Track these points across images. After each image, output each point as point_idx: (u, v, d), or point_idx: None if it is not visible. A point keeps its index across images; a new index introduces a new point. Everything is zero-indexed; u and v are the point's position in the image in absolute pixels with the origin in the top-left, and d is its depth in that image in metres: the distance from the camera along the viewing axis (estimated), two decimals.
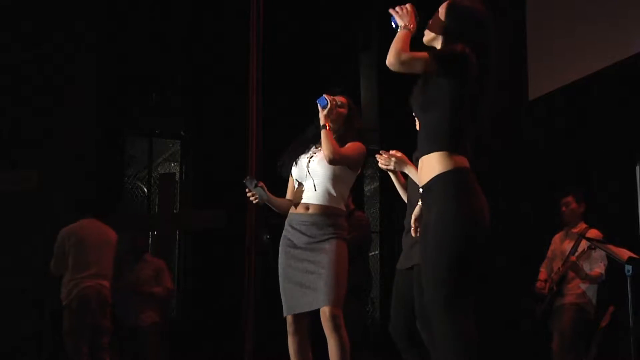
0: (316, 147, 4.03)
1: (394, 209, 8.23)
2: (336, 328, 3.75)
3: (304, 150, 4.05)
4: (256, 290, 6.08)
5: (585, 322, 5.65)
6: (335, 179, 3.93)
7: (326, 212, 3.92)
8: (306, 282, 3.84)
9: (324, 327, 3.79)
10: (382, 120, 8.65)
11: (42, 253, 6.20)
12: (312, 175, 3.95)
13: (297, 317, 3.88)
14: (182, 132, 8.32)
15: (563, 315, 5.65)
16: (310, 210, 3.93)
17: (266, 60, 6.28)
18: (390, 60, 2.90)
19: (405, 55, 2.90)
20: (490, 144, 6.79)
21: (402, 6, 3.05)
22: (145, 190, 8.23)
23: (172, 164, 8.51)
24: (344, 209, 4.02)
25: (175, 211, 7.99)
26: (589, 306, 5.65)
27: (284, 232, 4.00)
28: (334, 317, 3.75)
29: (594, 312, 5.66)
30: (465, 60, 2.89)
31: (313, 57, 7.78)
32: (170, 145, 8.52)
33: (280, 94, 7.31)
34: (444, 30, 3.03)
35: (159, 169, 8.40)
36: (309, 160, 3.98)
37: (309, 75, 7.56)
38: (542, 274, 5.92)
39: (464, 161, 2.92)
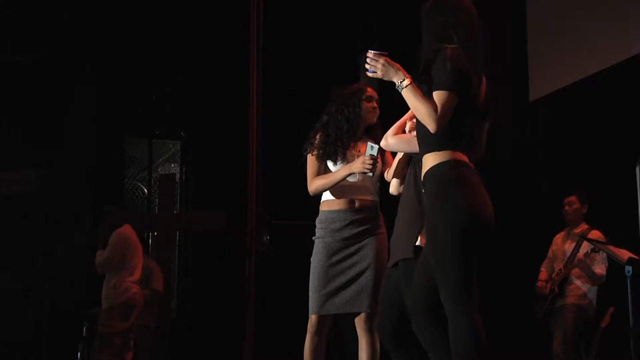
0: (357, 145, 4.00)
1: (389, 209, 8.22)
2: (371, 330, 3.82)
3: (347, 145, 3.98)
4: (256, 291, 6.08)
5: (586, 323, 5.65)
6: (376, 178, 3.98)
7: (372, 207, 3.97)
8: (349, 281, 3.85)
9: (357, 327, 3.86)
10: (382, 121, 8.64)
11: (41, 253, 6.21)
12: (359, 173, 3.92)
13: (322, 318, 3.88)
14: (182, 133, 8.33)
15: (564, 316, 5.65)
16: (357, 205, 3.94)
17: (266, 62, 6.28)
18: (434, 127, 2.82)
19: (440, 112, 2.81)
20: (490, 145, 6.78)
21: (378, 61, 2.94)
22: (146, 191, 8.23)
23: (172, 165, 8.52)
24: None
25: (175, 212, 7.99)
26: (590, 307, 5.65)
27: (323, 230, 3.96)
28: (370, 319, 3.81)
29: (594, 313, 5.66)
30: (462, 72, 2.87)
31: (312, 58, 7.78)
32: (171, 146, 8.53)
33: (280, 94, 7.31)
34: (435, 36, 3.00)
35: (159, 170, 8.41)
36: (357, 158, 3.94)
37: (308, 76, 7.56)
38: (543, 274, 5.92)
39: (459, 155, 2.91)
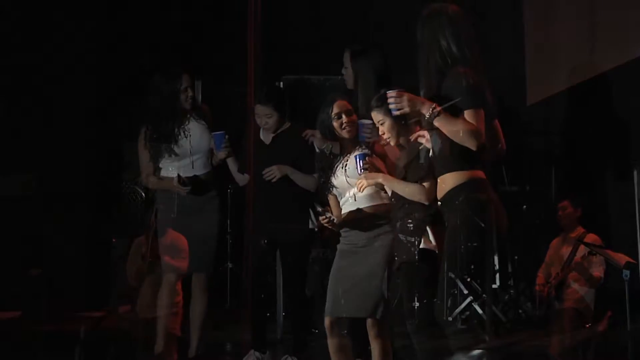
0: (343, 157, 4.01)
1: None
2: (380, 334, 3.81)
3: (331, 164, 4.02)
4: (255, 295, 6.08)
5: (584, 327, 5.66)
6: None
7: (378, 213, 3.89)
8: (355, 285, 3.84)
9: (368, 332, 3.85)
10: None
11: (39, 256, 6.20)
12: (352, 184, 3.90)
13: (336, 319, 3.91)
14: None
15: (562, 320, 5.66)
16: (362, 215, 3.91)
17: (263, 64, 6.28)
18: (477, 145, 2.86)
19: (478, 130, 2.87)
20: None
21: (402, 97, 2.97)
22: (143, 194, 8.20)
23: (170, 169, 8.47)
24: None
25: (172, 215, 7.95)
26: (588, 311, 5.66)
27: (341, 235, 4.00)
28: (379, 325, 3.80)
29: (592, 316, 5.67)
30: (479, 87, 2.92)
31: (309, 60, 7.79)
32: None
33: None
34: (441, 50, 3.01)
35: (156, 173, 8.36)
36: (346, 172, 3.92)
37: (304, 79, 7.55)
38: (540, 278, 5.93)
39: (477, 173, 2.97)
